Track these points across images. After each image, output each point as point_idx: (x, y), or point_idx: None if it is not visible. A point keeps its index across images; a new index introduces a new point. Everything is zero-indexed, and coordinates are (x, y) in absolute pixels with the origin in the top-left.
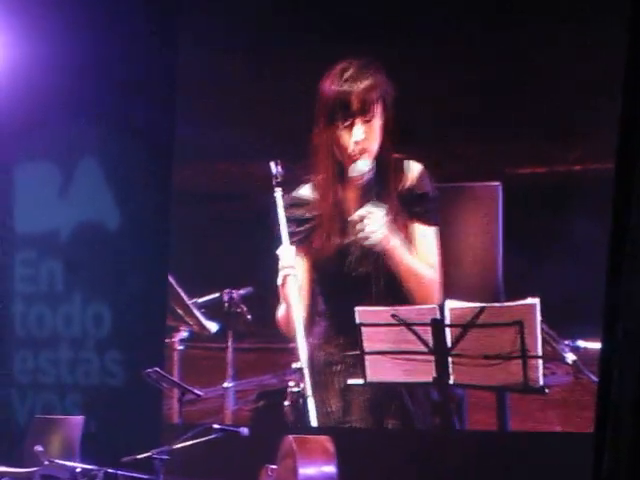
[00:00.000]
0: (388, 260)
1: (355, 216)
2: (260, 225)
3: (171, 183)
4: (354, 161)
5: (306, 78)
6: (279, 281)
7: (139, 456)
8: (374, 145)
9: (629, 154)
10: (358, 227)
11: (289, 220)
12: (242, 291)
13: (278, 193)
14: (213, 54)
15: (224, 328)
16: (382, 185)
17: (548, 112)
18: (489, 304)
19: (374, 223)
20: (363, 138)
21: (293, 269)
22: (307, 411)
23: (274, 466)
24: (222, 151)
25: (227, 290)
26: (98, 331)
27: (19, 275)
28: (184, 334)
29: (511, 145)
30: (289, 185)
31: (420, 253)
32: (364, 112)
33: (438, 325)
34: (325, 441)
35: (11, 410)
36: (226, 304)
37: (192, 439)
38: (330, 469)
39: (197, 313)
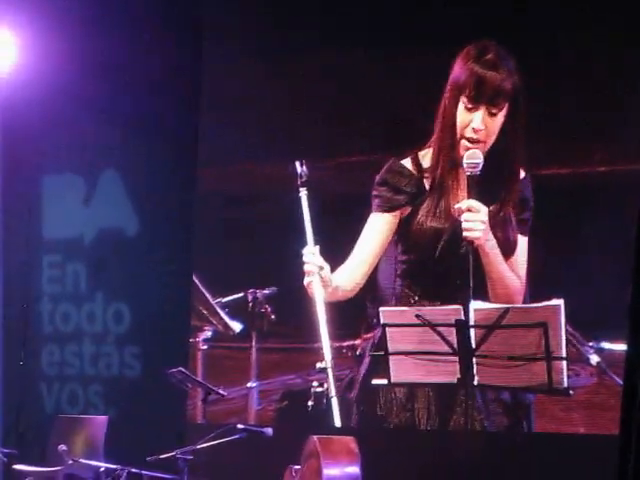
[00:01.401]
0: (482, 258)
1: (463, 204)
2: (284, 225)
3: (195, 185)
4: (468, 148)
5: (329, 80)
6: (305, 281)
7: (163, 456)
8: (491, 138)
9: None
10: (464, 217)
11: (385, 183)
12: (266, 291)
13: (303, 192)
14: (237, 57)
15: (248, 328)
16: (496, 184)
17: (572, 112)
18: (513, 305)
19: (478, 218)
20: (482, 128)
21: (320, 269)
22: (331, 411)
23: (298, 466)
24: (245, 152)
25: (251, 290)
26: (118, 327)
27: (46, 276)
28: (208, 334)
29: (535, 146)
30: (313, 184)
31: (514, 262)
32: (492, 102)
33: (462, 326)
34: (349, 442)
35: (40, 400)
36: (250, 304)
37: (216, 439)
38: (354, 470)
39: (221, 313)
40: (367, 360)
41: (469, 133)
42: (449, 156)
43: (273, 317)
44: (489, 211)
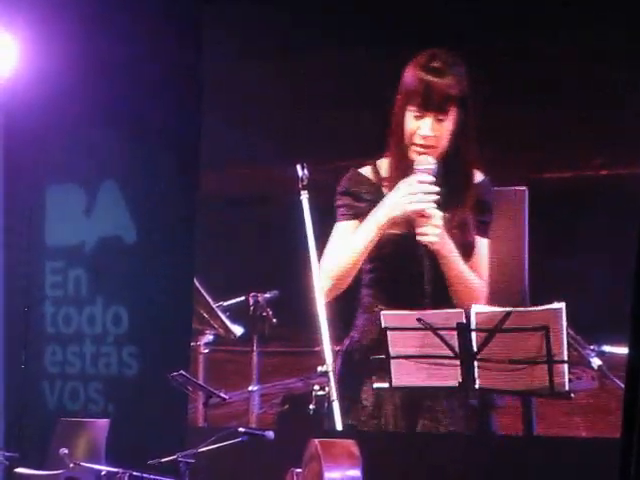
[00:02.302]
0: (440, 261)
1: (417, 210)
2: (286, 229)
3: (197, 188)
4: (420, 154)
5: (332, 82)
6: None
7: (164, 459)
8: (442, 144)
9: None
10: (417, 222)
11: (347, 193)
12: (267, 294)
13: (304, 196)
14: (238, 58)
15: (249, 331)
16: (451, 189)
17: (573, 117)
18: (515, 309)
19: (432, 222)
20: (431, 135)
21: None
22: (332, 415)
23: (299, 470)
24: (247, 155)
25: (252, 293)
26: (117, 329)
27: (49, 282)
28: (209, 337)
29: (537, 150)
30: (315, 188)
31: (475, 263)
32: (440, 109)
33: (464, 329)
34: (350, 445)
35: (42, 397)
36: (251, 307)
37: (217, 442)
38: (355, 473)
39: (222, 316)
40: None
41: (419, 140)
42: (402, 164)
43: (274, 321)
44: (444, 216)
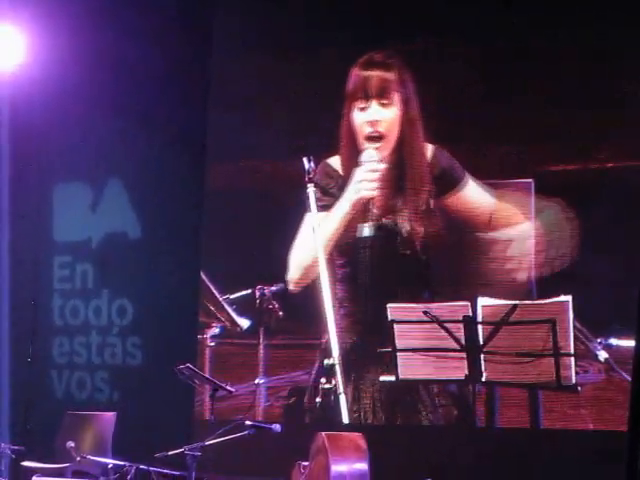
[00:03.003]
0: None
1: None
2: (292, 221)
3: (203, 182)
4: (371, 147)
5: (336, 76)
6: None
7: (171, 452)
8: (392, 133)
9: None
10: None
11: (317, 185)
12: (274, 287)
13: (311, 188)
14: (244, 54)
15: (256, 324)
16: (407, 174)
17: (578, 110)
18: (521, 302)
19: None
20: (379, 120)
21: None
22: (339, 408)
23: (306, 462)
24: (253, 149)
25: (259, 286)
26: (122, 321)
27: (57, 275)
28: (216, 330)
29: (543, 143)
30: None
31: (474, 202)
32: (381, 95)
33: (470, 322)
34: (357, 438)
35: (51, 386)
36: (258, 300)
37: (224, 435)
38: (362, 466)
39: (229, 309)
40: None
41: (368, 130)
42: (354, 161)
43: (281, 314)
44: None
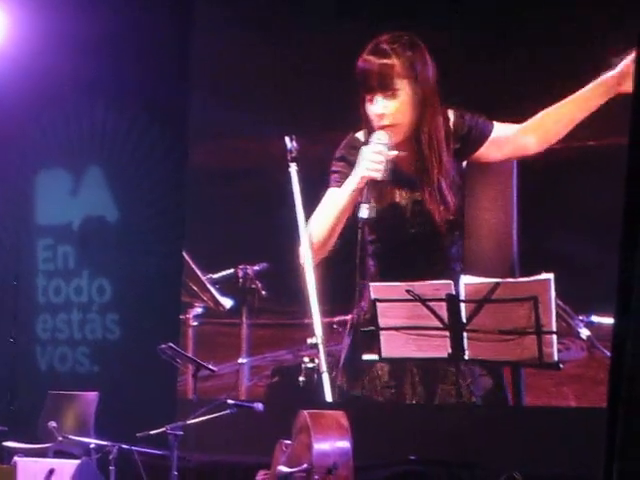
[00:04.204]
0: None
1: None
2: (274, 201)
3: (185, 161)
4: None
5: (321, 55)
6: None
7: (153, 432)
8: (403, 119)
9: None
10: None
11: (342, 159)
12: (257, 267)
13: (293, 168)
14: (225, 31)
15: (239, 304)
16: (429, 151)
17: (561, 86)
18: (504, 279)
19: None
20: (385, 113)
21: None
22: (322, 387)
23: (289, 441)
24: (236, 128)
25: (242, 266)
26: (101, 298)
27: (40, 257)
28: (199, 310)
29: (525, 120)
30: (304, 161)
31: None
32: (384, 87)
33: (453, 301)
34: (339, 416)
35: (34, 360)
36: (241, 280)
37: (206, 414)
38: (344, 444)
39: (212, 289)
40: (349, 338)
41: (377, 121)
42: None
43: (264, 293)
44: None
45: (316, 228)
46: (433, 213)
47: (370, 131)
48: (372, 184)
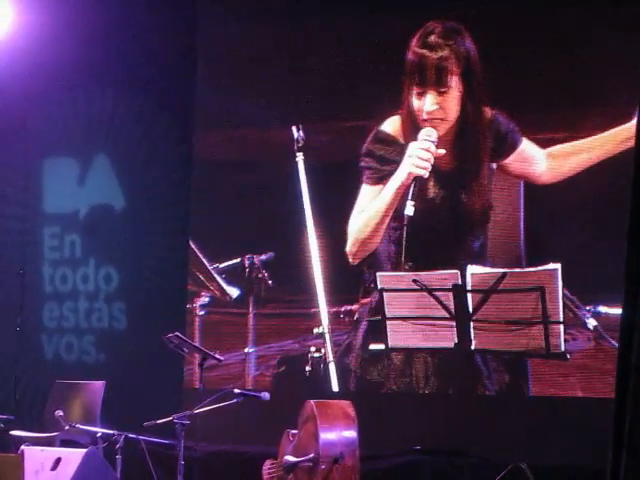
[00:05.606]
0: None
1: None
2: (281, 190)
3: (192, 151)
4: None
5: (325, 44)
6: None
7: (160, 421)
8: (451, 115)
9: None
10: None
11: (372, 155)
12: (263, 256)
13: (300, 157)
14: (233, 22)
15: (245, 294)
16: (470, 148)
17: (567, 79)
18: (510, 269)
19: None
20: (435, 109)
21: None
22: (329, 376)
23: (295, 431)
24: (242, 118)
25: (248, 255)
26: (107, 287)
27: (47, 245)
28: (205, 300)
29: (532, 112)
30: (310, 150)
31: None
32: (439, 83)
33: (459, 291)
34: (346, 406)
35: (40, 349)
36: (247, 269)
37: (213, 404)
38: (351, 434)
39: (218, 278)
40: (364, 325)
41: (425, 116)
42: (413, 136)
43: (270, 282)
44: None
45: (360, 225)
46: (464, 210)
47: (413, 121)
48: (418, 180)
